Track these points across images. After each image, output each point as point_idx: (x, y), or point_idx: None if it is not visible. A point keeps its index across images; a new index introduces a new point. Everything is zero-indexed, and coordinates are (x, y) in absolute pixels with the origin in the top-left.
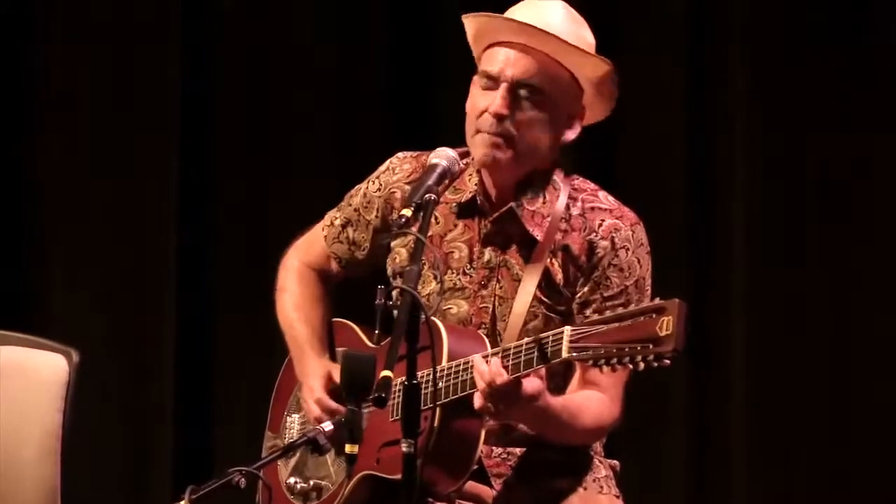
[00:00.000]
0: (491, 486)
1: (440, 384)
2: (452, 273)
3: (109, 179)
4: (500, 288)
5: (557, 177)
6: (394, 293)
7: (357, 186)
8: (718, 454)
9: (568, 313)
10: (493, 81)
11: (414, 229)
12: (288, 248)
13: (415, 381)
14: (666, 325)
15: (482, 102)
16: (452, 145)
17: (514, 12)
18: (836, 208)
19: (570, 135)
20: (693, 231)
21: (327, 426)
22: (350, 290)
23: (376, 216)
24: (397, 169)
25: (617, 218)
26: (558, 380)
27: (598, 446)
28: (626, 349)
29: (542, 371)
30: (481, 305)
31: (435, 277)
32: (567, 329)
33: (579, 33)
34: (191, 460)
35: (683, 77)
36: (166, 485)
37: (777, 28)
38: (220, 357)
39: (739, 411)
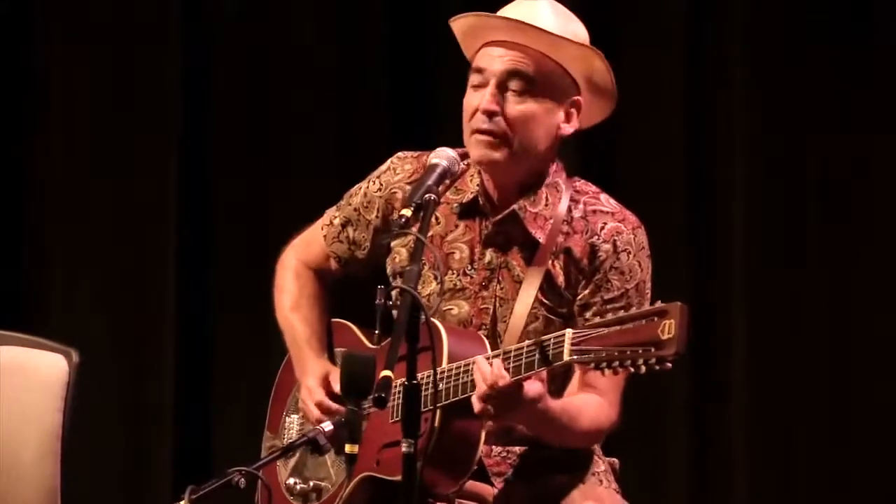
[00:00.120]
0: (491, 485)
1: (440, 386)
2: (453, 274)
3: (109, 179)
4: (501, 289)
5: (559, 178)
6: (394, 293)
7: (357, 185)
8: (719, 454)
9: (569, 316)
10: (482, 78)
11: (414, 229)
12: (285, 247)
13: (415, 381)
14: (668, 329)
15: (474, 101)
16: (452, 145)
17: (503, 12)
18: (836, 208)
19: (567, 129)
20: (693, 231)
21: (327, 426)
22: (350, 290)
23: (377, 216)
24: (398, 169)
25: (619, 221)
26: (558, 382)
27: (596, 445)
28: (628, 352)
29: (543, 374)
30: (482, 306)
31: (435, 278)
32: (568, 332)
33: (570, 28)
34: (191, 460)
35: (683, 77)
36: (166, 485)
37: (777, 28)
38: (219, 357)
39: (739, 411)
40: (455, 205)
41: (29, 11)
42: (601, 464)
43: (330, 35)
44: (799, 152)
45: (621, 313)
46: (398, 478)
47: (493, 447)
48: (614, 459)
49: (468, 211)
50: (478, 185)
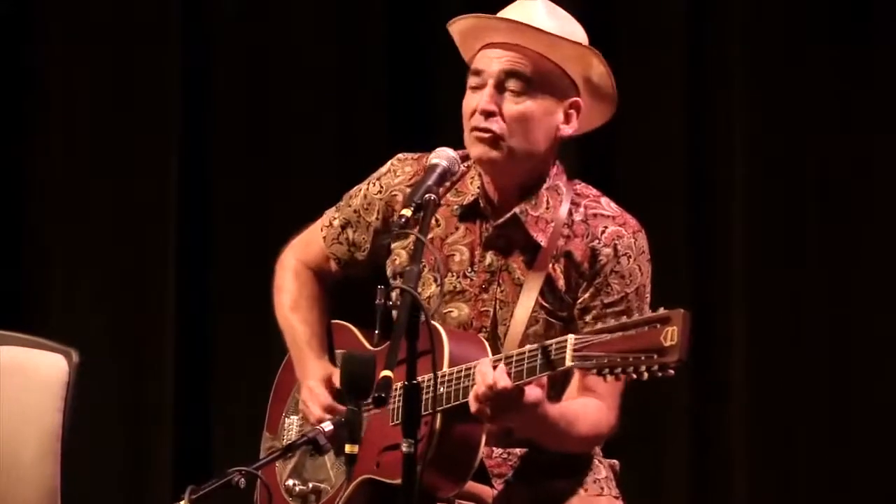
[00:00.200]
0: (491, 486)
1: (441, 390)
2: (453, 276)
3: (109, 179)
4: (502, 292)
5: (560, 181)
6: (393, 294)
7: (357, 187)
8: (719, 454)
9: (569, 319)
10: (481, 79)
11: (414, 230)
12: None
13: (415, 381)
14: (670, 336)
15: (473, 102)
16: (452, 145)
17: (501, 14)
18: (836, 208)
19: (566, 130)
20: (693, 231)
21: (327, 426)
22: (350, 290)
23: (377, 218)
24: (398, 171)
25: (620, 225)
26: (557, 385)
27: (597, 448)
28: (631, 359)
29: (544, 379)
30: (482, 309)
31: (435, 280)
32: (570, 338)
33: (567, 29)
34: (190, 460)
35: (683, 77)
36: (166, 485)
37: (777, 28)
38: (219, 357)
39: (739, 411)
40: (455, 207)
41: (29, 11)
42: (602, 469)
43: (330, 35)
44: (799, 152)
45: (623, 318)
46: (398, 481)
47: (494, 449)
48: (615, 461)
49: (468, 213)
50: (478, 187)
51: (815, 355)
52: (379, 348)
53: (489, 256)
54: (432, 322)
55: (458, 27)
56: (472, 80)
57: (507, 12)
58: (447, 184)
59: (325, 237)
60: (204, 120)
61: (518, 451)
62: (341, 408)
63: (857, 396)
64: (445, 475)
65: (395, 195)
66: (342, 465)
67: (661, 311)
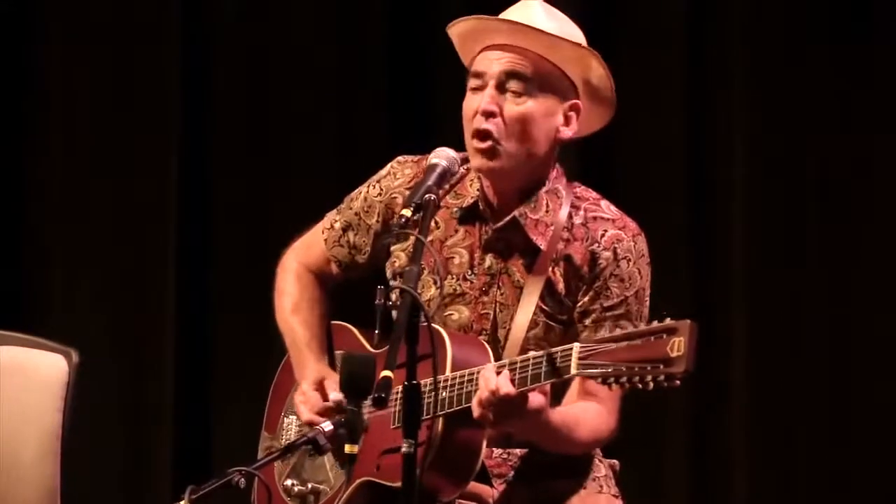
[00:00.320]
0: (491, 486)
1: (444, 393)
2: (453, 279)
3: (109, 179)
4: (502, 294)
5: (559, 184)
6: (393, 294)
7: (358, 189)
8: (719, 454)
9: (569, 322)
10: (481, 80)
11: (414, 230)
12: (286, 249)
13: (415, 382)
14: (677, 346)
15: (473, 104)
16: (452, 145)
17: (499, 16)
18: (836, 208)
19: (566, 132)
20: (693, 231)
21: (327, 426)
22: (350, 291)
23: (377, 220)
24: (398, 174)
25: (619, 228)
26: (557, 388)
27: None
28: (636, 368)
29: (547, 386)
30: (482, 312)
31: (435, 283)
32: (576, 346)
33: (566, 31)
34: (191, 460)
35: (683, 77)
36: (166, 485)
37: (777, 28)
38: (219, 357)
39: (739, 411)
40: (455, 209)
41: (29, 11)
42: (602, 468)
43: (330, 35)
44: (799, 152)
45: (622, 321)
46: (398, 484)
47: (494, 449)
48: (615, 461)
49: (468, 216)
50: (478, 189)
51: (815, 355)
52: (379, 349)
53: (489, 259)
54: (435, 326)
55: (458, 30)
56: (472, 83)
57: (507, 14)
58: (447, 185)
59: (326, 240)
60: (204, 120)
61: (518, 451)
62: (330, 409)
63: (857, 396)
64: (447, 479)
65: (395, 198)
66: (341, 467)
67: (668, 321)
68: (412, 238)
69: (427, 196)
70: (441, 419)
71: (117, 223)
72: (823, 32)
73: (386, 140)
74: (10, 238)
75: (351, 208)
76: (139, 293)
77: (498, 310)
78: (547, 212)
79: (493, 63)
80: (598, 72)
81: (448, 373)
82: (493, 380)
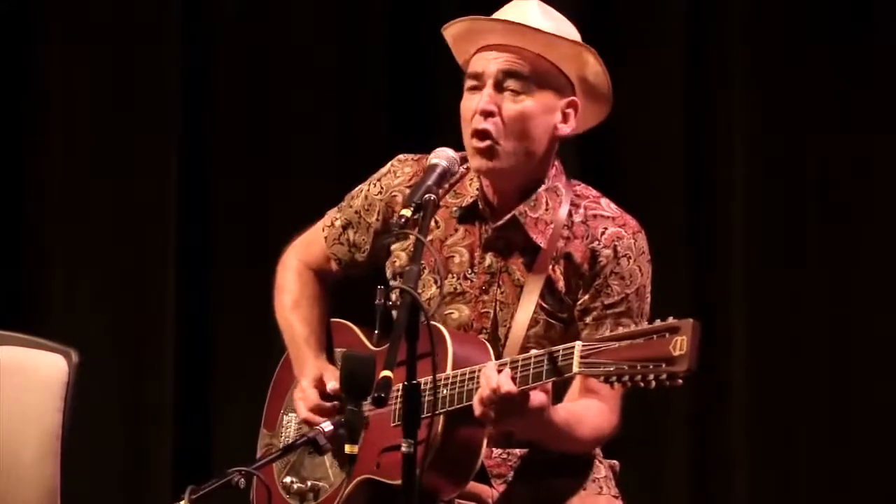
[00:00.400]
0: (490, 486)
1: (445, 392)
2: (453, 278)
3: (109, 179)
4: (502, 293)
5: (559, 182)
6: (393, 294)
7: (358, 187)
8: (719, 454)
9: (569, 320)
10: (478, 81)
11: (414, 230)
12: (287, 248)
13: (415, 382)
14: (680, 345)
15: (471, 104)
16: (452, 145)
17: (495, 16)
18: (836, 208)
19: (564, 130)
20: (693, 231)
21: (326, 426)
22: (350, 290)
23: (377, 219)
24: (398, 172)
25: (619, 226)
26: (558, 386)
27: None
28: (639, 367)
29: (549, 385)
30: (482, 310)
31: (435, 282)
32: (578, 344)
33: (562, 29)
34: (191, 460)
35: (683, 77)
36: (166, 485)
37: (777, 28)
38: (219, 357)
39: (739, 411)
40: (454, 209)
41: (29, 11)
42: (602, 469)
43: (330, 35)
44: (799, 152)
45: (623, 319)
46: (398, 482)
47: (494, 449)
48: (615, 462)
49: (467, 215)
50: (477, 189)
51: (815, 355)
52: (380, 348)
53: (489, 258)
54: (436, 323)
55: (453, 31)
56: (469, 83)
57: (502, 14)
58: (446, 185)
59: (326, 237)
60: (204, 120)
61: (517, 451)
62: (327, 405)
63: (857, 396)
64: (447, 477)
65: (395, 196)
66: (341, 465)
67: (671, 320)
68: (412, 238)
69: (427, 196)
70: (441, 417)
71: (117, 223)
72: (823, 32)
73: (386, 140)
74: (10, 238)
75: (351, 206)
76: (139, 293)
77: (498, 308)
78: (546, 210)
79: (490, 63)
80: (594, 68)
81: (449, 371)
82: (494, 378)
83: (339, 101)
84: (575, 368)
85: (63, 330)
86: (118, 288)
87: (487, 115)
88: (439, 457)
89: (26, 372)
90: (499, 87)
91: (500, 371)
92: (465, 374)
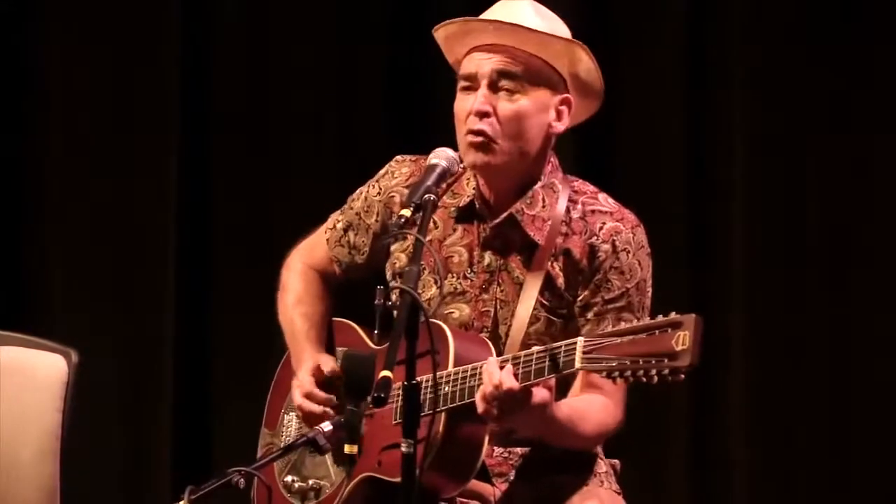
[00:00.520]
0: (492, 485)
1: (447, 389)
2: (453, 277)
3: (109, 179)
4: (502, 291)
5: (556, 178)
6: (393, 294)
7: (359, 189)
8: (719, 454)
9: (569, 317)
10: (472, 81)
11: (413, 230)
12: (289, 248)
13: (414, 382)
14: (682, 340)
15: (465, 105)
16: (452, 145)
17: (485, 15)
18: (836, 208)
19: (559, 127)
20: (693, 231)
21: (326, 426)
22: (352, 291)
23: (376, 220)
24: (396, 173)
25: (617, 221)
26: (561, 382)
27: (598, 447)
28: (641, 362)
29: (552, 381)
30: (483, 309)
31: (436, 282)
32: (580, 340)
33: (553, 27)
34: (190, 460)
35: (683, 76)
36: (166, 485)
37: (777, 28)
38: (219, 357)
39: (739, 412)
40: (452, 209)
41: (29, 11)
42: (603, 465)
43: (330, 35)
44: (799, 152)
45: (624, 314)
46: (399, 479)
47: (495, 448)
48: (615, 461)
49: (465, 215)
50: (474, 188)
51: (814, 355)
52: (381, 347)
53: (487, 257)
54: (438, 322)
55: (443, 33)
56: (462, 84)
57: (493, 13)
58: (444, 185)
59: (328, 240)
60: (204, 120)
61: (519, 449)
62: (320, 394)
63: (857, 396)
64: (448, 475)
65: (393, 196)
66: (342, 464)
67: (673, 315)
68: (411, 238)
69: (426, 196)
70: (443, 415)
71: (117, 223)
72: (823, 32)
73: (386, 140)
74: (10, 238)
75: (352, 208)
76: (139, 293)
77: (498, 307)
78: (544, 207)
79: (483, 63)
80: (587, 65)
81: (451, 368)
82: (496, 374)
83: (339, 101)
84: (577, 364)
85: (63, 330)
86: (118, 288)
87: (483, 115)
88: (440, 455)
89: (26, 372)
90: (493, 87)
91: (502, 367)
92: (468, 370)
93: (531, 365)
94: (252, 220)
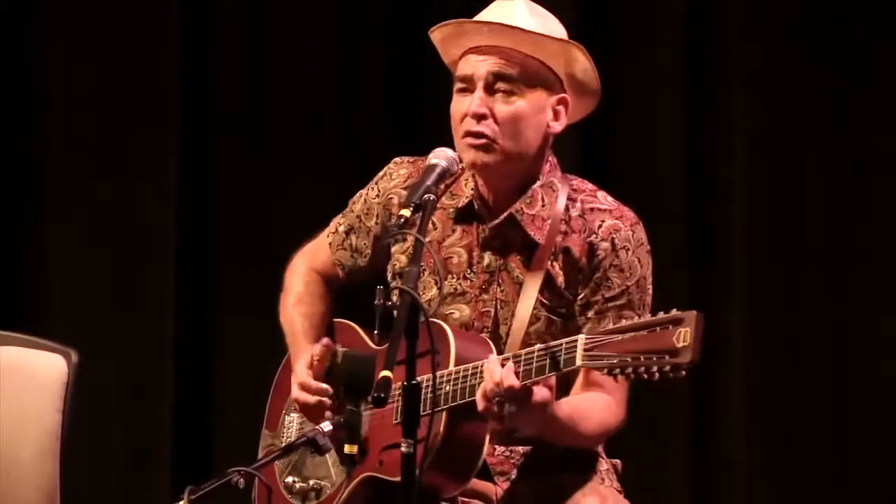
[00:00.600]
0: (494, 483)
1: (448, 388)
2: (453, 278)
3: (109, 179)
4: (502, 291)
5: (554, 177)
6: (393, 294)
7: (359, 192)
8: (719, 454)
9: (570, 316)
10: (468, 83)
11: (413, 230)
12: (289, 248)
13: (414, 382)
14: (683, 337)
15: (462, 107)
16: (452, 145)
17: (480, 16)
18: (836, 208)
19: (556, 127)
20: (693, 231)
21: (326, 426)
22: (351, 291)
23: (376, 223)
24: (394, 175)
25: (616, 218)
26: (562, 381)
27: (600, 447)
28: (642, 359)
29: (552, 379)
30: (483, 310)
31: (436, 283)
32: (581, 337)
33: (548, 26)
34: (190, 460)
35: (683, 76)
36: (166, 485)
37: (777, 28)
38: (219, 357)
39: (739, 411)
40: (451, 210)
41: (29, 11)
42: (604, 463)
43: (330, 35)
44: (799, 152)
45: (625, 311)
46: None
47: (497, 446)
48: (617, 461)
49: (464, 215)
50: (472, 189)
51: (814, 355)
52: (381, 348)
53: (487, 257)
54: (439, 321)
55: (439, 34)
56: (458, 85)
57: (488, 13)
58: (443, 185)
59: (331, 243)
60: (204, 120)
61: (520, 448)
62: (315, 384)
63: (857, 396)
64: (449, 474)
65: (392, 198)
66: (343, 463)
67: (674, 312)
68: (411, 239)
69: (426, 196)
70: (444, 414)
71: (117, 223)
72: (823, 32)
73: (386, 140)
74: (10, 238)
75: (353, 211)
76: (139, 293)
77: (499, 307)
78: (543, 206)
79: (478, 65)
80: (583, 65)
81: (451, 367)
82: (497, 372)
83: (339, 101)
84: (578, 361)
85: (63, 330)
86: (118, 288)
87: (480, 117)
88: (441, 454)
89: (26, 372)
90: (489, 89)
91: (502, 365)
92: (468, 369)
93: (532, 363)
94: (252, 220)
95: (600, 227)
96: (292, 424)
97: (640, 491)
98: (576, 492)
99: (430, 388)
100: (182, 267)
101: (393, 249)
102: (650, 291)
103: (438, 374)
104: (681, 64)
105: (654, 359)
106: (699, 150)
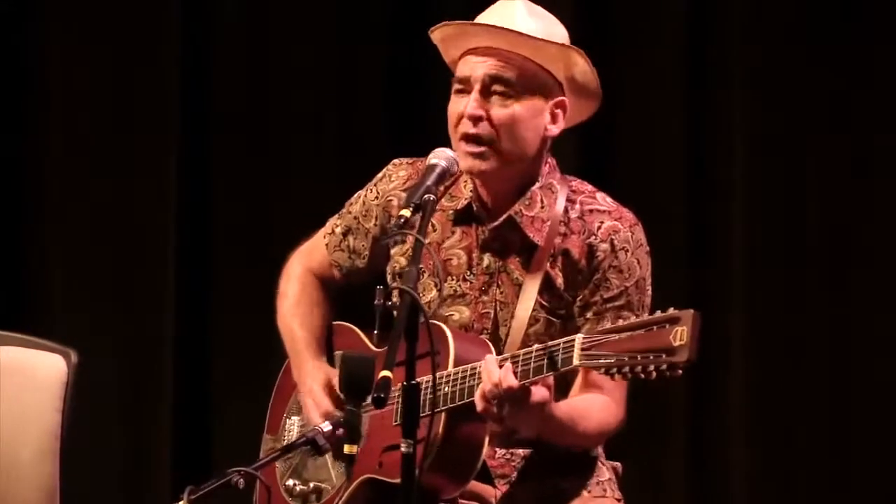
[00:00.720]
0: (494, 486)
1: (447, 389)
2: (452, 280)
3: (109, 179)
4: (501, 293)
5: (553, 179)
6: (393, 294)
7: (357, 193)
8: (719, 454)
9: (569, 317)
10: (466, 84)
11: (413, 230)
12: (289, 248)
13: (414, 382)
14: (680, 336)
15: (458, 108)
16: (451, 146)
17: (481, 18)
18: (836, 208)
19: (553, 130)
20: (693, 231)
21: (325, 426)
22: (350, 292)
23: (375, 224)
24: (393, 176)
25: (616, 220)
26: (561, 382)
27: (599, 448)
28: (639, 358)
29: (550, 379)
30: (483, 311)
31: (435, 285)
32: (578, 337)
33: (549, 30)
34: (190, 460)
35: (683, 76)
36: (166, 485)
37: (777, 28)
38: (219, 357)
39: (739, 411)
40: (450, 212)
41: (29, 11)
42: (605, 471)
43: (330, 35)
44: (799, 152)
45: (624, 312)
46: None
47: (497, 449)
48: (617, 464)
49: (463, 217)
50: (471, 190)
51: (814, 355)
52: (381, 349)
53: (486, 259)
54: (438, 322)
55: (439, 34)
56: (456, 86)
57: (488, 15)
58: (443, 186)
59: (327, 244)
60: (204, 120)
61: (521, 451)
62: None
63: (857, 396)
64: (448, 475)
65: (391, 200)
66: (343, 465)
67: (672, 311)
68: (411, 240)
69: (426, 196)
70: (443, 415)
71: (117, 223)
72: (823, 32)
73: (386, 140)
74: (10, 238)
75: (350, 212)
76: (139, 293)
77: (498, 308)
78: (542, 208)
79: (476, 67)
80: (582, 68)
81: (451, 368)
82: (495, 372)
83: (339, 101)
84: (575, 361)
85: (63, 330)
86: (118, 288)
87: (476, 119)
88: (440, 455)
89: (26, 372)
90: (486, 91)
91: (500, 366)
92: (467, 370)
93: (530, 363)
94: (252, 220)
95: (599, 228)
96: (293, 428)
97: (639, 491)
98: (577, 501)
99: (429, 390)
100: (182, 267)
101: (392, 251)
102: (649, 292)
103: (438, 375)
104: (681, 64)
105: (651, 358)
106: (699, 150)
